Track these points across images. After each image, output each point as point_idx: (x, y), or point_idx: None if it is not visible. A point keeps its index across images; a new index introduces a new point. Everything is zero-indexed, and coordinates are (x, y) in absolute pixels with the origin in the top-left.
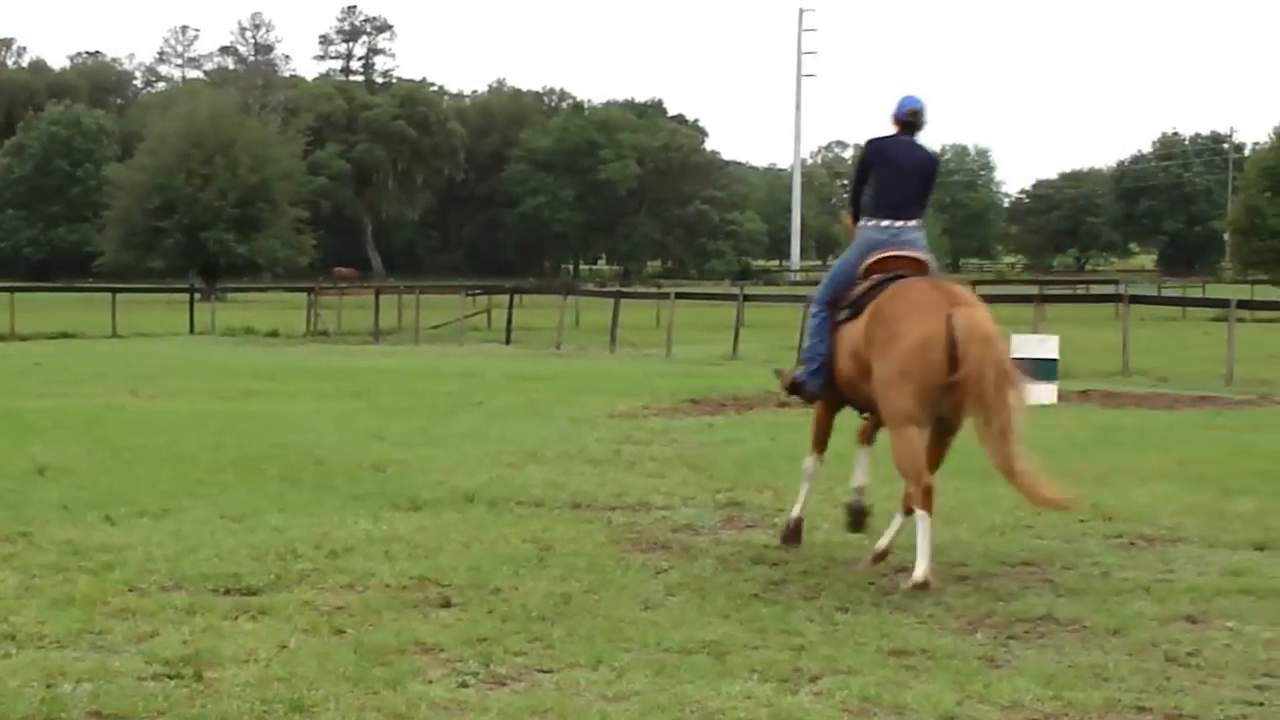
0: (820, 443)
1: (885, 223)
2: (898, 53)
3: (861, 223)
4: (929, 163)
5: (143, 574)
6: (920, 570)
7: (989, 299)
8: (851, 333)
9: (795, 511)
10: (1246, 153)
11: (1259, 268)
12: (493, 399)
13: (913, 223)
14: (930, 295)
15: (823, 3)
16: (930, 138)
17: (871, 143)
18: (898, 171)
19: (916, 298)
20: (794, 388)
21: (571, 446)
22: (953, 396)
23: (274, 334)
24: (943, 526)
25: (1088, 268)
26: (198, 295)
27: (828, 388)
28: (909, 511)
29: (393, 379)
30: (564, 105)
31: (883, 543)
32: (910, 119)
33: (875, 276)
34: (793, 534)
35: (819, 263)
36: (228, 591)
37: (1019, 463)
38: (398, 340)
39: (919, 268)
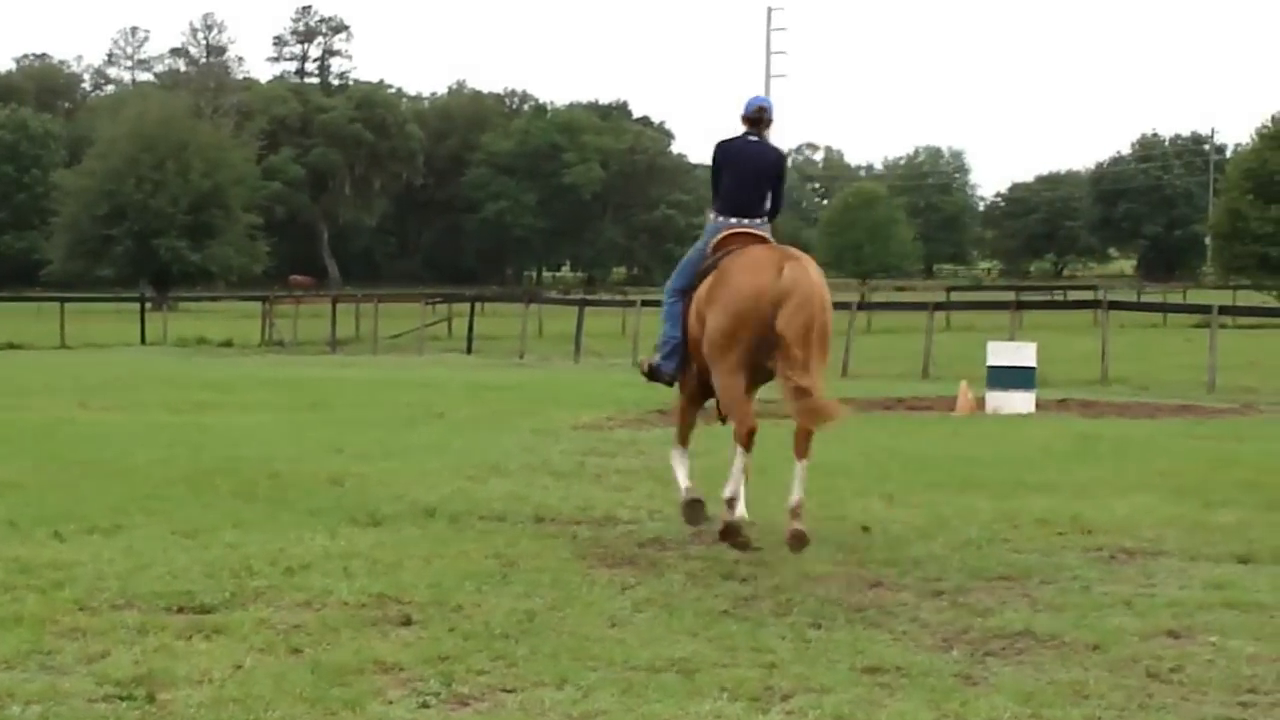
0: (684, 438)
1: (734, 219)
2: (870, 53)
3: (713, 218)
4: (776, 160)
5: (93, 592)
6: (729, 489)
7: (964, 305)
8: (697, 298)
9: (684, 492)
10: (1228, 154)
11: (1241, 273)
12: (454, 410)
13: (759, 219)
14: (765, 254)
15: (793, 2)
16: (903, 140)
17: (720, 145)
18: (744, 171)
19: (753, 255)
20: (652, 373)
21: (535, 459)
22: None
23: (228, 344)
24: (917, 540)
25: (1065, 273)
26: (149, 304)
27: (683, 370)
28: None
29: (351, 390)
30: (526, 107)
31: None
32: (757, 116)
33: (719, 252)
34: (693, 512)
35: None
36: (181, 610)
37: (815, 387)
38: (355, 350)
39: (761, 241)
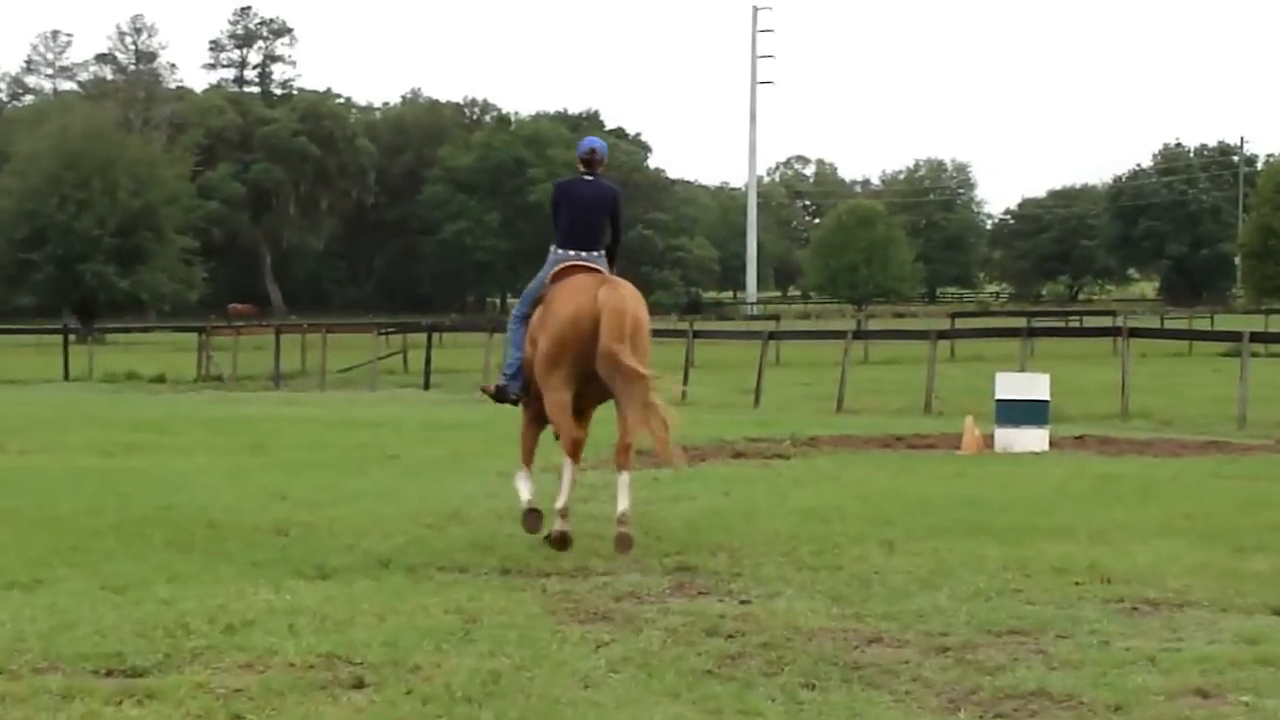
0: (528, 458)
1: (571, 253)
2: (866, 58)
3: (554, 251)
4: (609, 198)
5: (12, 654)
6: (560, 500)
7: (970, 333)
8: (531, 324)
9: (525, 503)
10: (1259, 166)
11: (1275, 295)
12: (410, 451)
13: (595, 252)
14: (585, 279)
15: (782, 3)
16: (902, 152)
17: (557, 184)
18: (579, 209)
19: (575, 283)
20: (498, 393)
21: (500, 504)
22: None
23: (160, 379)
24: (920, 591)
25: (1081, 297)
26: (73, 336)
27: (527, 390)
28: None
29: (296, 430)
30: (487, 118)
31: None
32: (588, 157)
33: (554, 282)
34: (532, 521)
35: (779, 294)
36: (110, 673)
37: (659, 430)
38: (301, 386)
39: (591, 271)
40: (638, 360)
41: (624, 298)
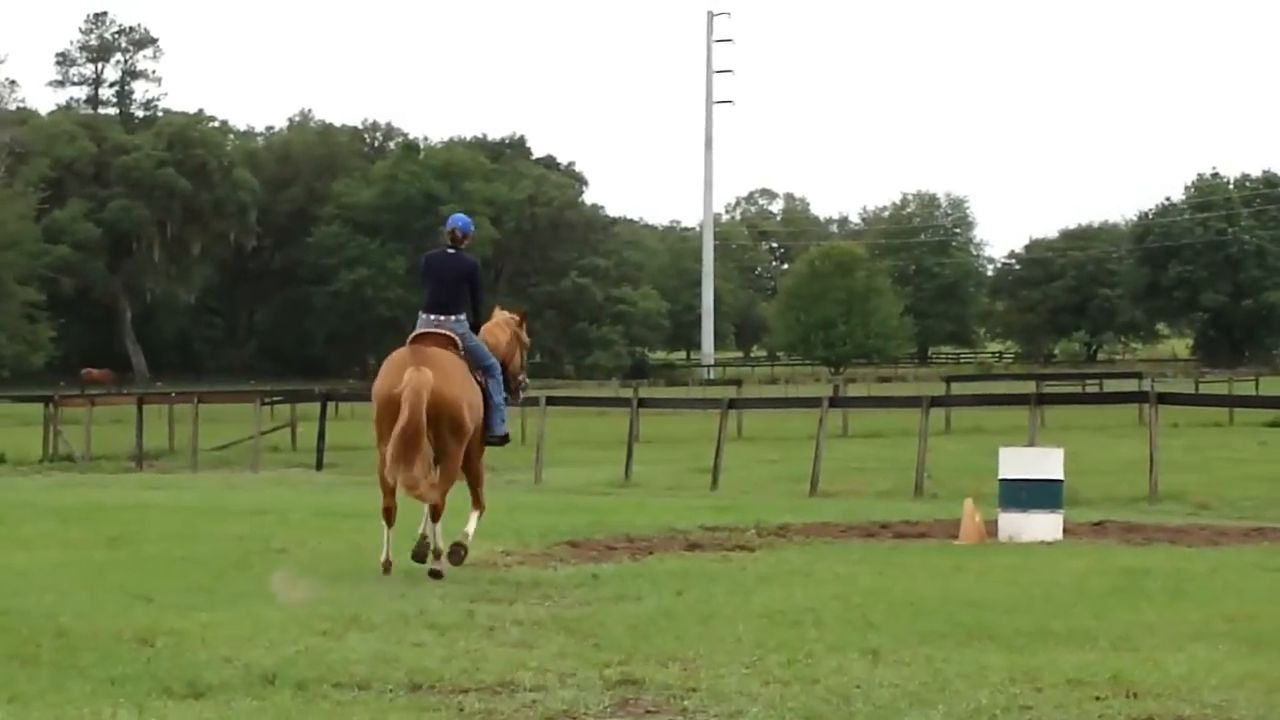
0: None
1: (431, 317)
2: (844, 73)
3: (419, 316)
4: (468, 270)
5: None
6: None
7: (969, 400)
8: None
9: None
10: None
11: None
12: (300, 544)
13: (454, 317)
14: (401, 357)
15: (746, 12)
16: (887, 185)
17: (424, 257)
18: (441, 278)
19: (392, 359)
20: None
21: (408, 607)
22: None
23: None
24: (911, 709)
25: (1101, 357)
26: None
27: None
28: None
29: (163, 519)
30: (391, 145)
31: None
32: (450, 234)
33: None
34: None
35: (740, 354)
36: None
37: (442, 499)
38: (169, 466)
39: (439, 341)
40: (413, 452)
41: (424, 382)
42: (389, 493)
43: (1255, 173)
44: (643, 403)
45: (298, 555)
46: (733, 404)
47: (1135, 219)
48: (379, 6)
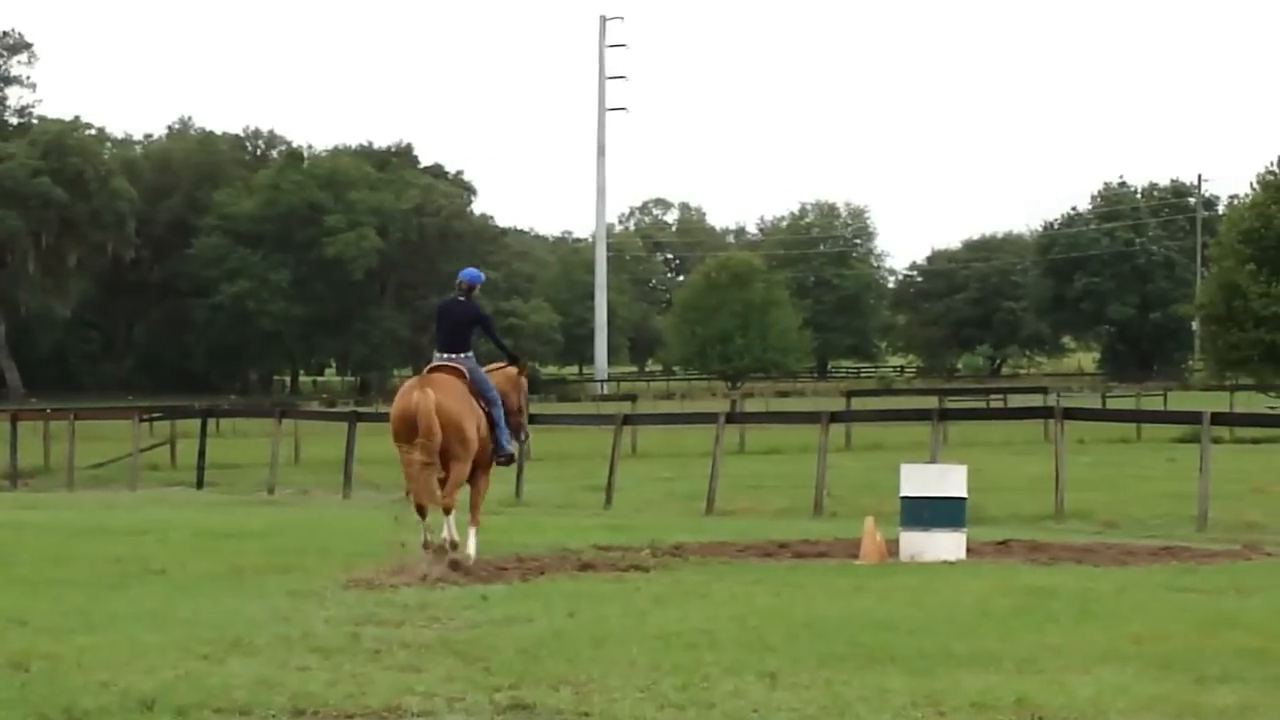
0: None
1: (444, 355)
2: (741, 81)
3: (434, 355)
4: (473, 316)
5: None
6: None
7: (870, 416)
8: None
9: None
10: (1220, 209)
11: (1240, 368)
12: (180, 565)
13: (461, 354)
14: (410, 384)
15: (641, 17)
16: (785, 195)
17: (437, 304)
18: (450, 322)
19: (404, 386)
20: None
21: (291, 630)
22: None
23: None
24: None
25: (1005, 371)
26: None
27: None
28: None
29: (37, 540)
30: (274, 154)
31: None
32: (459, 285)
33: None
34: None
35: (635, 369)
36: None
37: (450, 499)
38: (44, 485)
39: (446, 370)
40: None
41: (428, 401)
42: (416, 492)
43: (1163, 181)
44: (534, 419)
45: (176, 577)
46: (627, 420)
47: (1040, 229)
48: (261, 10)
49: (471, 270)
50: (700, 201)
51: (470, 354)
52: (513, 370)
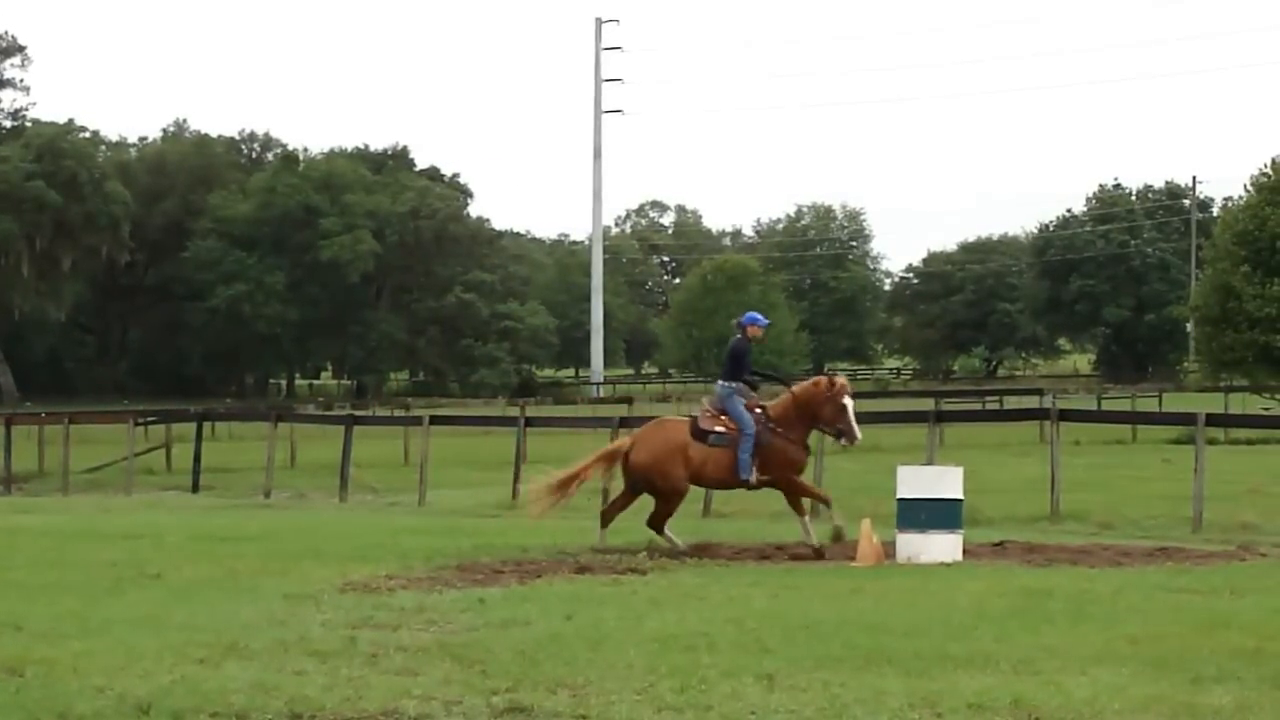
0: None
1: (719, 383)
2: (737, 83)
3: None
4: (730, 349)
5: None
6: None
7: (865, 418)
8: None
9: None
10: (1215, 211)
11: (1235, 369)
12: (175, 569)
13: (721, 383)
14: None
15: (638, 20)
16: (781, 197)
17: (732, 341)
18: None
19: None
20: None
21: (288, 634)
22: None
23: None
24: None
25: (1001, 373)
26: None
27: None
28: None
29: (32, 544)
30: (270, 156)
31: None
32: (756, 332)
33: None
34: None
35: (631, 372)
36: None
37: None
38: (39, 489)
39: (679, 420)
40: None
41: (619, 447)
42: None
43: (1158, 183)
44: (530, 422)
45: (172, 581)
46: (623, 423)
47: (1035, 231)
48: (256, 13)
49: (758, 315)
50: (696, 204)
51: (729, 384)
52: (821, 381)
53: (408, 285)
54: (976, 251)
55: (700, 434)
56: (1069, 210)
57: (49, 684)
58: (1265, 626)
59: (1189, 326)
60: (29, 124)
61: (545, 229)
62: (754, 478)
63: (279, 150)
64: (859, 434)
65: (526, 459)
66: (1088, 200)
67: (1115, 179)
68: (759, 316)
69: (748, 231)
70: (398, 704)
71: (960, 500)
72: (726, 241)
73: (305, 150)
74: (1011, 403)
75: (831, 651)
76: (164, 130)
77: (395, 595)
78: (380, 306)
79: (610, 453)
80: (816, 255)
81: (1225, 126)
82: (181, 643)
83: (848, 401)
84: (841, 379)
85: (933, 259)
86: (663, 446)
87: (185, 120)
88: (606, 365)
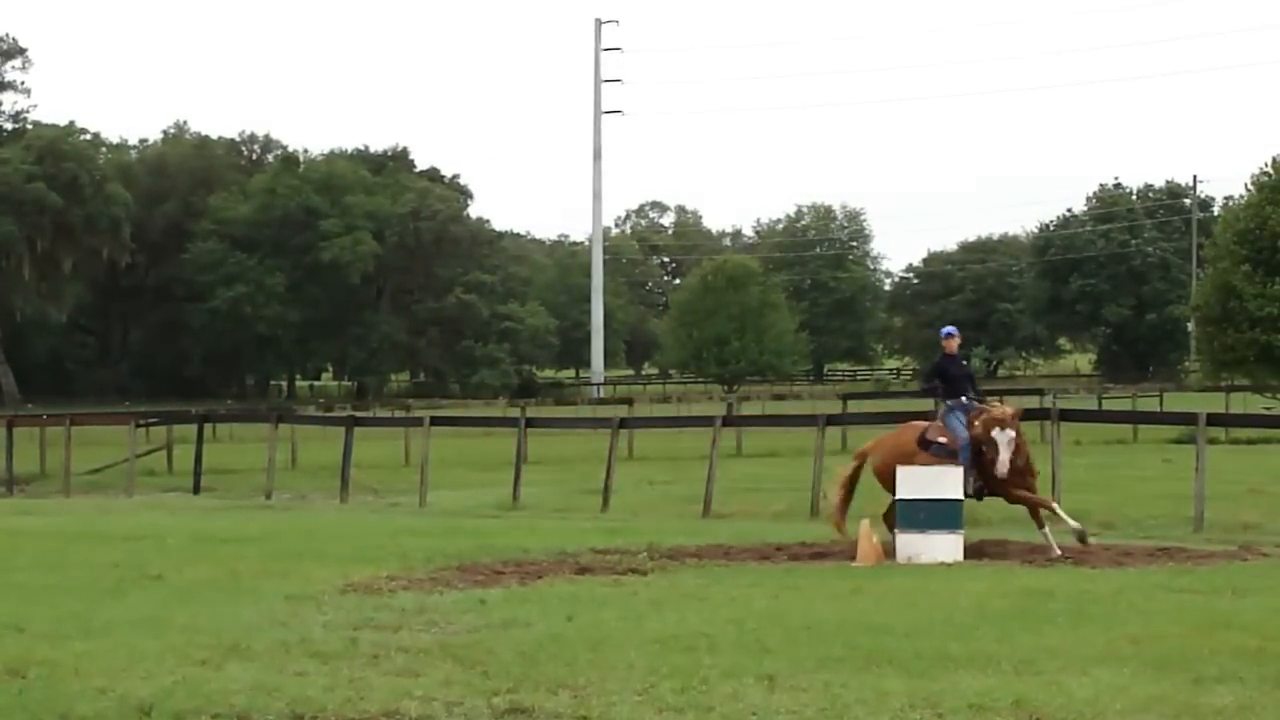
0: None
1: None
2: (736, 83)
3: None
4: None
5: None
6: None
7: (866, 419)
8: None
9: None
10: (1215, 210)
11: (1236, 368)
12: (177, 571)
13: (947, 402)
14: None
15: (637, 21)
16: (781, 197)
17: (938, 361)
18: (954, 376)
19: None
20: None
21: (289, 635)
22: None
23: None
24: None
25: (1001, 373)
26: None
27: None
28: None
29: (34, 545)
30: (270, 158)
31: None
32: (951, 343)
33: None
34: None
35: (631, 372)
36: None
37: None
38: (40, 491)
39: (914, 425)
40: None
41: (862, 452)
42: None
43: (1159, 183)
44: (531, 422)
45: (173, 582)
46: (624, 423)
47: (1036, 231)
48: (256, 15)
49: (953, 329)
50: (696, 204)
51: (949, 401)
52: (990, 411)
53: (408, 286)
54: (977, 251)
55: (925, 444)
56: (1069, 210)
57: (51, 685)
58: (1267, 626)
59: (1190, 326)
60: (30, 126)
61: (545, 230)
62: (970, 487)
63: (279, 152)
64: (1003, 469)
65: (527, 459)
66: (1088, 200)
67: (1116, 178)
68: (947, 329)
69: (748, 232)
70: (399, 705)
71: (960, 500)
72: (726, 242)
73: (305, 151)
74: (1012, 402)
75: (833, 652)
76: (164, 132)
77: (396, 596)
78: (381, 308)
79: (860, 454)
80: (817, 255)
81: (1225, 126)
82: (183, 644)
83: (996, 434)
84: (1005, 410)
85: (933, 259)
86: (893, 452)
87: (186, 122)
88: (607, 366)
